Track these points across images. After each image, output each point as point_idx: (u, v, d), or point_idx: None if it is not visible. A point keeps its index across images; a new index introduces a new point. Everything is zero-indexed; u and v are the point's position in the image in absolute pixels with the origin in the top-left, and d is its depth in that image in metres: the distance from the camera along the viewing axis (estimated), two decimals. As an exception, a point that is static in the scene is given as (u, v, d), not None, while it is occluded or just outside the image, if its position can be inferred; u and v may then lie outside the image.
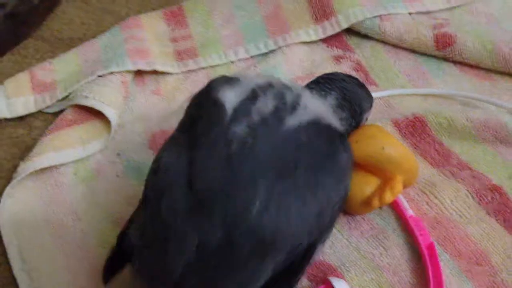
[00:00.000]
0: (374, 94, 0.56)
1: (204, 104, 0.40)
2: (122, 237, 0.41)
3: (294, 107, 0.38)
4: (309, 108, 0.39)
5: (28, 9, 0.69)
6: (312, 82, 0.46)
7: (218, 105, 0.38)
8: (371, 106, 0.48)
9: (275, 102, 0.38)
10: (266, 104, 0.38)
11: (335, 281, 0.43)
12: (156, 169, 0.38)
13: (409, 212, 0.48)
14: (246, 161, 0.35)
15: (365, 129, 0.47)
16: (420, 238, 0.46)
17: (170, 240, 0.35)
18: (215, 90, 0.39)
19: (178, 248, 0.35)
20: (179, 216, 0.35)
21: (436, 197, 0.49)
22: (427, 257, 0.45)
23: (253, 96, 0.38)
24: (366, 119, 0.49)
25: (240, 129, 0.36)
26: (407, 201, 0.49)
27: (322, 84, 0.45)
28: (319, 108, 0.40)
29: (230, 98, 0.38)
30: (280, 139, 0.37)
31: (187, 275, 0.35)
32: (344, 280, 0.44)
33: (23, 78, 0.60)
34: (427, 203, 0.49)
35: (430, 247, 0.46)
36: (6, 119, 0.58)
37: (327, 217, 0.39)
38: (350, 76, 0.48)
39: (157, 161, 0.39)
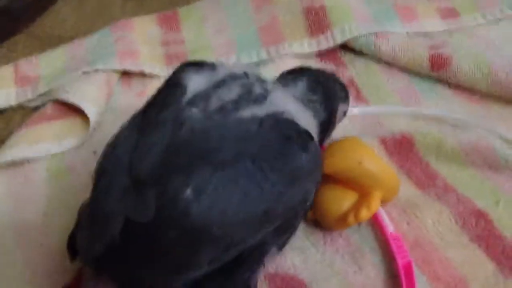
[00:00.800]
0: (361, 110, 0.54)
1: (166, 85, 0.39)
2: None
3: (259, 98, 0.37)
4: (275, 103, 0.37)
5: (22, 5, 0.68)
6: (287, 72, 0.45)
7: (178, 88, 0.37)
8: (346, 97, 0.47)
9: (241, 91, 0.37)
10: (229, 92, 0.37)
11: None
12: (106, 147, 0.38)
13: (390, 228, 0.46)
14: (188, 147, 0.34)
15: (342, 142, 0.46)
16: (397, 256, 0.44)
17: (98, 218, 0.35)
18: (182, 72, 0.39)
19: (104, 227, 0.34)
20: (111, 196, 0.34)
21: (417, 217, 0.48)
22: (403, 277, 0.43)
23: (221, 83, 0.37)
24: (344, 113, 0.47)
25: (193, 113, 0.35)
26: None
27: (294, 72, 0.44)
28: (286, 103, 0.39)
29: (195, 82, 0.37)
30: (231, 128, 0.35)
31: (110, 255, 0.34)
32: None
33: (7, 70, 0.59)
34: (408, 224, 0.47)
35: (407, 266, 0.44)
36: (-14, 112, 0.57)
37: (279, 218, 0.36)
38: (325, 70, 0.47)
39: (111, 138, 0.38)
